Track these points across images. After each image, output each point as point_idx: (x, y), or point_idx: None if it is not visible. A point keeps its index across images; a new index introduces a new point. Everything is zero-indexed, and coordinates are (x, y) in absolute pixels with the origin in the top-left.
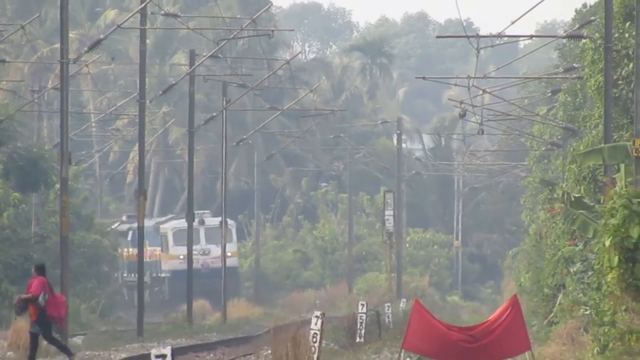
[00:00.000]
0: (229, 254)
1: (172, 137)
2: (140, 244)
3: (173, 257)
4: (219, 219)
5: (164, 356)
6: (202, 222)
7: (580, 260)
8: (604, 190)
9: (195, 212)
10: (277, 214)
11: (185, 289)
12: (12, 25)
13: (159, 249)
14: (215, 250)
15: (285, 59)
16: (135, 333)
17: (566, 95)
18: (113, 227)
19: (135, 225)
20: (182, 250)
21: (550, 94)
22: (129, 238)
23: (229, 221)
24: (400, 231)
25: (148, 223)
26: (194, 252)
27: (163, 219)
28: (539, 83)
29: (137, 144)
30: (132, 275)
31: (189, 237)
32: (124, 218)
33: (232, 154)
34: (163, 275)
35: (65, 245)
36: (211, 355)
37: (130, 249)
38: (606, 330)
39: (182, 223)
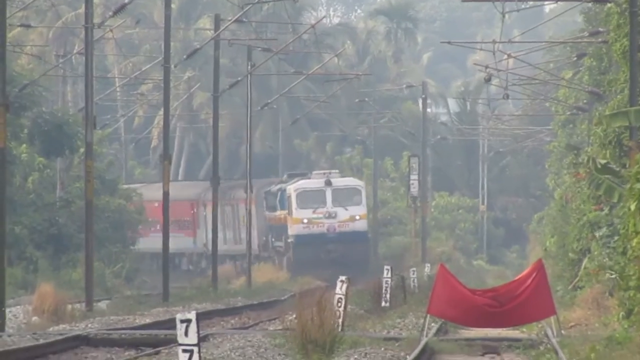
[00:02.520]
0: (357, 217)
1: (196, 101)
2: (165, 208)
3: (297, 221)
4: (350, 179)
5: (189, 321)
6: (329, 183)
7: (606, 224)
8: (629, 154)
9: (322, 171)
10: None
11: (311, 255)
12: None
13: (286, 212)
14: (344, 214)
15: (310, 23)
16: (160, 298)
17: (591, 59)
18: (268, 188)
19: (285, 185)
20: (307, 214)
21: (575, 58)
22: (278, 199)
23: (359, 182)
24: (425, 195)
25: (274, 187)
26: (319, 216)
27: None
28: (564, 47)
29: (162, 109)
30: (276, 239)
31: (213, 205)
32: (284, 177)
33: (256, 119)
34: (289, 240)
35: (89, 209)
36: (236, 319)
37: (279, 211)
38: (631, 294)
39: (307, 184)
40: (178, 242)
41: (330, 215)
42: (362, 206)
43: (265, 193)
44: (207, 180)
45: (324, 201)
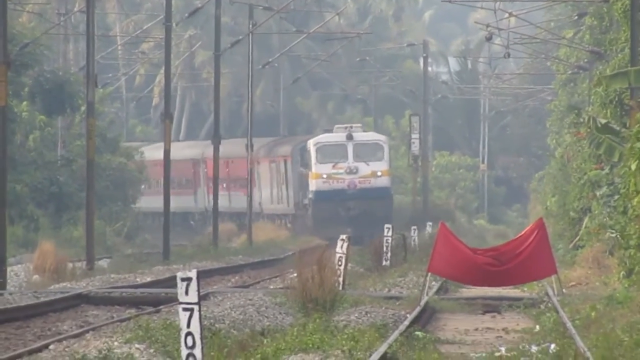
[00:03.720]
0: (379, 173)
1: (198, 60)
2: (166, 166)
3: (317, 176)
4: (372, 133)
5: (189, 279)
6: (350, 137)
7: (607, 183)
8: (630, 113)
9: (344, 125)
10: None
11: (330, 212)
12: None
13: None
14: (365, 169)
15: None
16: (160, 256)
17: (592, 18)
18: (304, 145)
19: (324, 141)
20: (327, 169)
21: (576, 17)
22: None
23: (382, 137)
24: (426, 154)
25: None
26: (340, 171)
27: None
28: (565, 6)
29: (164, 67)
30: (305, 197)
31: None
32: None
33: (258, 77)
34: (309, 196)
35: (91, 168)
36: (237, 277)
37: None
38: (632, 253)
39: (327, 137)
40: (185, 201)
41: (351, 171)
42: (385, 162)
43: (300, 150)
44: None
45: (345, 156)
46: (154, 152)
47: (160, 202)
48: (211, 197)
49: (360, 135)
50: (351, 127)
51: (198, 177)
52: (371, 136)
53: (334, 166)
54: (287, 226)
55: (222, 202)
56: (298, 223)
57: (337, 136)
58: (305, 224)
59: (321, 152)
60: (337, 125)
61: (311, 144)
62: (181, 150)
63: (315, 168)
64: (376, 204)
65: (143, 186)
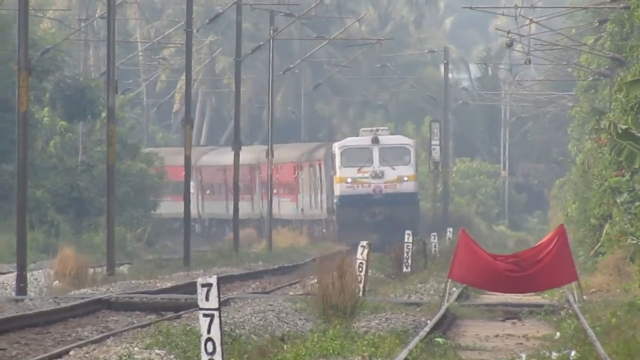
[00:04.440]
0: (405, 177)
1: (219, 66)
2: (187, 172)
3: (341, 180)
4: (399, 137)
5: (209, 285)
6: (375, 141)
7: (627, 190)
8: None
9: (370, 128)
10: None
11: (355, 217)
12: None
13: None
14: (391, 174)
15: None
16: (181, 262)
17: (613, 25)
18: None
19: (349, 144)
20: (352, 173)
21: (597, 24)
22: None
23: (409, 140)
24: (447, 161)
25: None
26: (365, 175)
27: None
28: (586, 13)
29: (184, 73)
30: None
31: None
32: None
33: (278, 83)
34: (334, 201)
35: (111, 173)
36: (257, 283)
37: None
38: None
39: (353, 141)
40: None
41: (376, 175)
42: (411, 166)
43: (332, 154)
44: (263, 145)
45: (370, 159)
46: (198, 158)
47: (215, 209)
48: (265, 202)
49: (387, 139)
50: (377, 130)
51: (254, 183)
52: (398, 139)
53: (359, 170)
54: (323, 232)
55: (306, 210)
56: (329, 229)
57: (362, 139)
58: (331, 230)
59: (346, 155)
60: (362, 129)
61: (336, 147)
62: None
63: (339, 172)
64: (402, 210)
65: (193, 191)
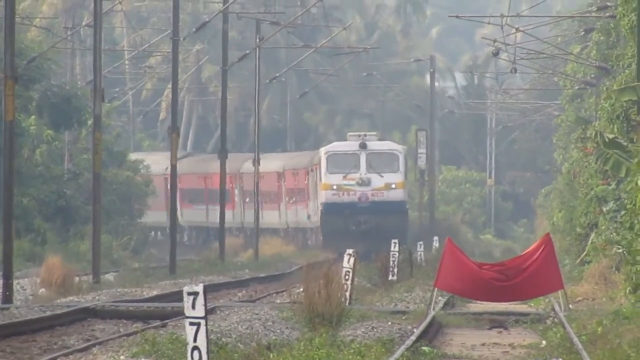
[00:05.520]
0: (393, 185)
1: (205, 74)
2: (173, 179)
3: (326, 187)
4: (387, 142)
5: (196, 293)
6: (363, 146)
7: (613, 199)
8: (636, 129)
9: (357, 133)
10: None
11: (340, 226)
12: None
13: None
14: (378, 181)
15: None
16: (167, 270)
17: (599, 34)
18: None
19: (335, 149)
20: (337, 179)
21: (583, 33)
22: None
23: (398, 147)
24: (433, 169)
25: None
26: (351, 182)
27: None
28: (572, 22)
29: (171, 82)
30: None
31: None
32: None
33: (265, 92)
34: (319, 209)
35: (97, 182)
36: (243, 292)
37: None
38: (638, 269)
39: (339, 146)
40: (271, 216)
41: (363, 182)
42: (400, 173)
43: (318, 159)
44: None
45: (357, 166)
46: (209, 164)
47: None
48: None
49: (375, 144)
50: (365, 135)
51: (281, 191)
52: (386, 145)
53: (345, 177)
54: (308, 242)
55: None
56: (316, 237)
57: (349, 144)
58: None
59: (332, 161)
60: (350, 133)
61: (322, 152)
62: (269, 162)
63: (325, 178)
64: (389, 219)
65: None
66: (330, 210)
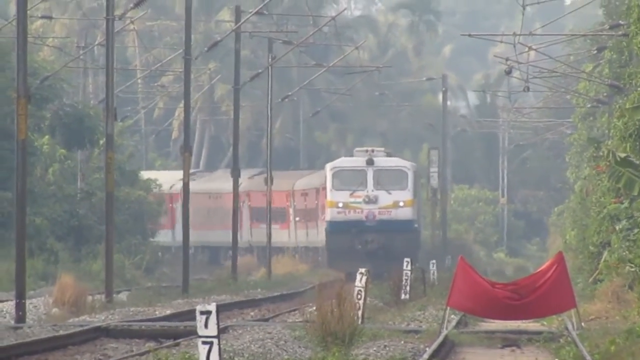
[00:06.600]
0: (401, 203)
1: (217, 93)
2: (185, 198)
3: (332, 204)
4: (395, 159)
5: (208, 312)
6: (370, 162)
7: (626, 217)
8: None
9: (365, 149)
10: None
11: (346, 245)
12: None
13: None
14: (386, 198)
15: (330, 15)
16: (180, 289)
17: (612, 52)
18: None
19: (342, 165)
20: (344, 197)
21: (595, 51)
22: None
23: (407, 163)
24: (445, 188)
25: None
26: (358, 200)
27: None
28: (584, 40)
29: (183, 101)
30: None
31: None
32: None
33: (277, 111)
34: (325, 227)
35: (110, 201)
36: (256, 311)
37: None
38: None
39: (345, 162)
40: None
41: (369, 200)
42: (408, 191)
43: (324, 176)
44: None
45: (364, 183)
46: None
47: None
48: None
49: (383, 161)
50: (372, 150)
51: (317, 209)
52: (394, 162)
53: (351, 194)
54: (319, 259)
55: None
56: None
57: (356, 160)
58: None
59: (338, 177)
60: (357, 149)
61: (328, 168)
62: (308, 178)
63: (330, 195)
64: (397, 238)
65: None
66: (336, 229)
